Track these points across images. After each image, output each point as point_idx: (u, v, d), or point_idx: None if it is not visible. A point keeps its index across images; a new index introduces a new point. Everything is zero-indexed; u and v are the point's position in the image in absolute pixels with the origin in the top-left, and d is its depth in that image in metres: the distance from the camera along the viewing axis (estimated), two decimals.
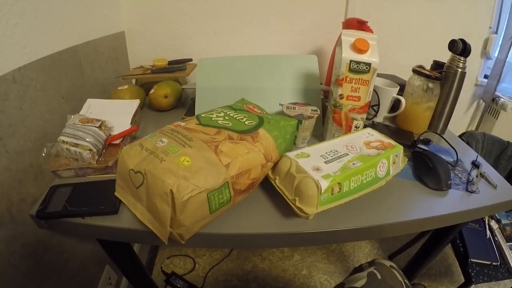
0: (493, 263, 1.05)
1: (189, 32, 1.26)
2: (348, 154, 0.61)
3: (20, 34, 0.70)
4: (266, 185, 0.63)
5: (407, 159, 0.72)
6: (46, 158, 0.67)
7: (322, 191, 0.52)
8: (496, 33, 1.38)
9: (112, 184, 0.59)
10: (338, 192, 0.55)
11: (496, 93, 1.47)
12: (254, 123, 0.63)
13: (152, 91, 0.97)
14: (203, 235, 0.54)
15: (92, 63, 1.01)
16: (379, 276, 0.61)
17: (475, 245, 1.10)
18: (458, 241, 1.13)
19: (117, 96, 0.92)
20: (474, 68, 1.47)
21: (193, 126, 0.58)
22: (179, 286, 1.31)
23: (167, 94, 0.97)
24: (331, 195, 0.54)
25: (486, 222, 1.18)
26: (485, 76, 1.51)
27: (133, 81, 1.14)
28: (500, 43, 1.39)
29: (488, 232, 1.15)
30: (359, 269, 0.67)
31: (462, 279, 1.08)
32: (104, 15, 1.11)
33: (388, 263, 0.65)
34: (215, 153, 0.52)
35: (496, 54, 1.43)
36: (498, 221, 1.19)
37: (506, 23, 1.35)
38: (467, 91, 1.52)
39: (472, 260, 1.06)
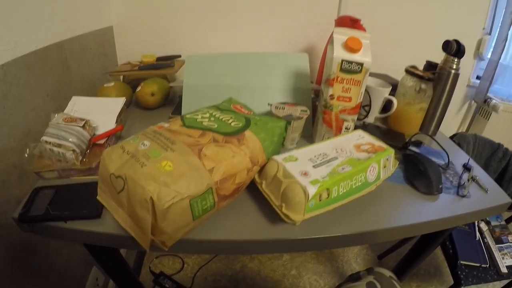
0: (482, 265, 1.06)
1: (179, 27, 1.24)
2: (337, 158, 0.59)
3: (3, 30, 0.68)
4: (253, 188, 0.61)
5: (398, 163, 0.70)
6: (29, 158, 0.64)
7: (310, 197, 0.50)
8: (489, 34, 1.38)
9: (95, 187, 0.57)
10: (327, 198, 0.54)
11: (488, 94, 1.47)
12: (241, 124, 0.61)
13: (138, 88, 0.94)
14: (187, 241, 0.52)
15: (78, 59, 0.98)
16: (379, 287, 0.60)
17: (465, 247, 1.10)
18: (447, 243, 1.13)
19: (103, 94, 0.89)
20: (467, 69, 1.46)
21: (176, 127, 0.56)
22: (168, 286, 1.30)
23: (154, 91, 0.94)
24: (319, 201, 0.53)
25: (476, 224, 1.18)
26: (478, 77, 1.51)
27: (121, 77, 1.11)
28: (493, 44, 1.40)
29: (477, 234, 1.15)
30: (357, 277, 0.66)
31: (451, 280, 1.08)
32: (92, 10, 1.07)
33: (387, 273, 0.64)
34: (198, 157, 0.50)
35: (489, 55, 1.43)
36: (487, 223, 1.20)
37: (500, 24, 1.35)
38: (459, 91, 1.52)
39: (461, 262, 1.06)
